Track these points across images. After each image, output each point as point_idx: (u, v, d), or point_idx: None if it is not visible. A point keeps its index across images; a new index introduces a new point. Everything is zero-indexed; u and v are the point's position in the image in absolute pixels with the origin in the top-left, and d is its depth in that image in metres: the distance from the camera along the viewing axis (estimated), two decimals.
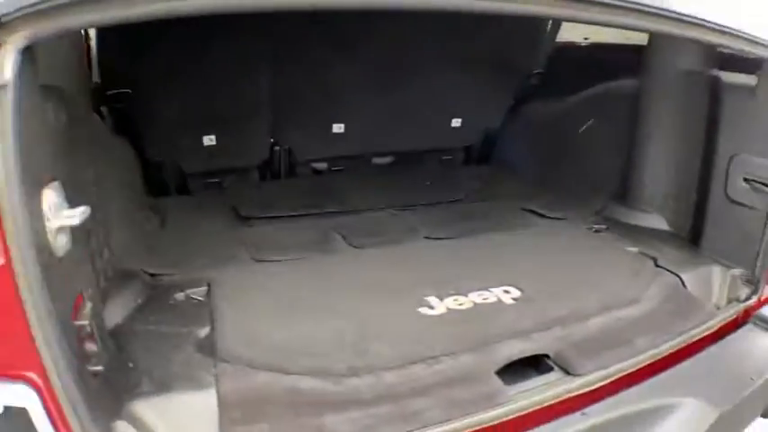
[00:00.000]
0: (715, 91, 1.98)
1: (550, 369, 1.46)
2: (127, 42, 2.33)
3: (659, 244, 2.04)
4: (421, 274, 1.82)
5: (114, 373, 1.19)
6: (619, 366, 1.45)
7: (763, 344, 1.78)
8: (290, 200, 2.53)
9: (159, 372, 1.23)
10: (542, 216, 2.34)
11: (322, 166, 3.04)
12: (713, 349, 1.69)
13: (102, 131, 2.02)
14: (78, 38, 1.67)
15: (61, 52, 1.54)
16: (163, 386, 1.19)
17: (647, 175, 2.24)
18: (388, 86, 2.82)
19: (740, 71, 1.98)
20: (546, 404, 1.35)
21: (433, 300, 1.66)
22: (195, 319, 1.49)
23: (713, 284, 1.86)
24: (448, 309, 1.62)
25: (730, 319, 1.80)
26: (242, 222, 2.32)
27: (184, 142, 2.62)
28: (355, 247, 2.07)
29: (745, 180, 1.87)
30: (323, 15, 2.47)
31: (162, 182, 2.68)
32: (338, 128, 2.88)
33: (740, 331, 1.80)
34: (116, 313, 1.46)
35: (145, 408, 1.13)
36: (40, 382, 0.93)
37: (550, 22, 2.92)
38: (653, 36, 2.19)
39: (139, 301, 1.57)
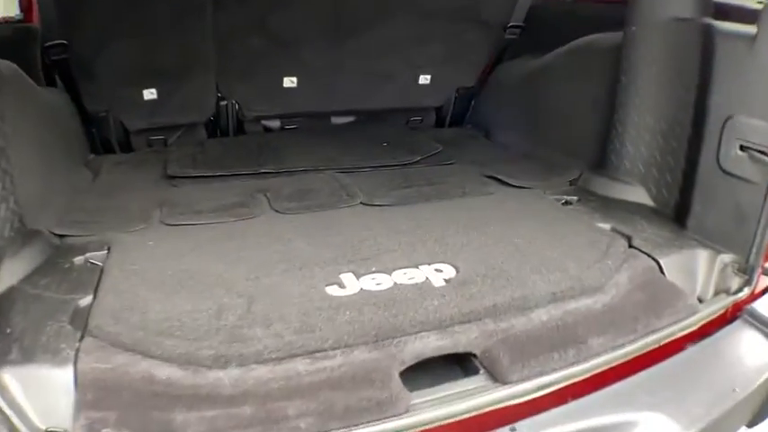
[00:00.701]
0: (707, 41, 1.65)
1: (476, 372, 1.15)
2: None
3: (637, 220, 1.71)
4: (343, 246, 1.52)
5: None
6: (564, 373, 1.14)
7: (752, 346, 1.46)
8: (227, 159, 2.31)
9: (29, 340, 1.12)
10: (504, 184, 2.02)
11: (274, 124, 2.81)
12: (691, 352, 1.39)
13: (19, 82, 1.85)
14: None
15: None
16: (28, 356, 1.08)
17: (628, 140, 1.90)
18: (345, 35, 2.60)
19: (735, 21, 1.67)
20: (460, 417, 1.04)
21: (347, 277, 1.36)
22: (83, 285, 1.34)
23: (698, 272, 1.53)
24: (361, 289, 1.31)
25: (716, 315, 1.48)
26: (168, 182, 2.11)
27: (124, 96, 2.49)
28: (279, 212, 1.79)
29: (742, 148, 1.54)
30: None
31: (106, 138, 2.56)
32: (290, 81, 2.68)
33: (726, 330, 1.48)
34: (12, 274, 1.34)
35: (11, 377, 1.04)
36: None
37: None
38: None
39: (39, 262, 1.44)
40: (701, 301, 1.49)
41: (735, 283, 1.53)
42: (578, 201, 1.89)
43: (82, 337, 1.13)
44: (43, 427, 1.01)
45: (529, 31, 2.77)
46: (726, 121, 1.58)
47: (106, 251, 1.51)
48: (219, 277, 1.36)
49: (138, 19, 2.32)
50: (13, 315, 1.21)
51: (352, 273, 1.37)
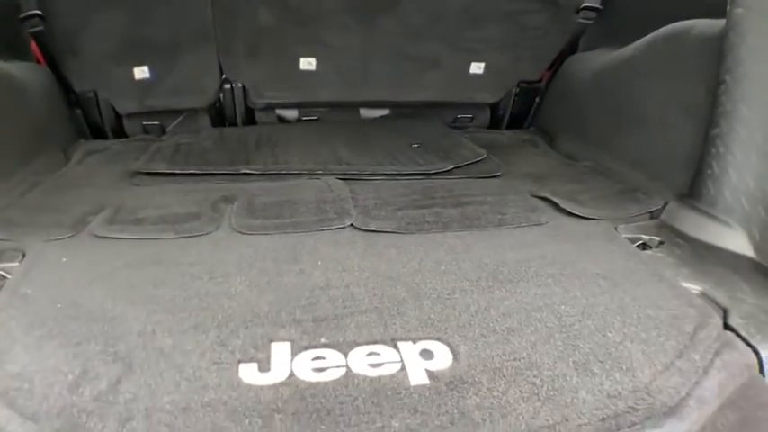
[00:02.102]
0: None
1: None
2: None
3: (737, 282, 1.16)
4: (296, 295, 1.04)
5: None
6: None
7: None
8: (211, 154, 1.93)
9: None
10: (561, 211, 1.48)
11: (291, 114, 2.44)
12: None
13: None
14: None
15: None
16: None
17: (732, 163, 1.35)
18: (377, 9, 2.25)
19: None
20: None
21: (279, 350, 0.88)
22: None
23: None
24: (290, 375, 0.82)
25: None
26: (131, 179, 1.77)
27: (112, 74, 2.27)
28: (237, 230, 1.34)
29: None
30: None
31: (96, 123, 2.34)
32: (308, 63, 2.33)
33: None
34: None
35: None
36: None
37: None
38: None
39: None
40: None
41: None
42: (660, 244, 1.34)
43: None
44: None
45: (607, 14, 2.27)
46: None
47: (17, 263, 1.23)
48: (109, 325, 0.98)
49: None
50: None
51: (290, 342, 0.89)
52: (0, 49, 1.94)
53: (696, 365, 0.89)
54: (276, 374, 0.83)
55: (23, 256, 1.26)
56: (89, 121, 2.32)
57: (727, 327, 1.02)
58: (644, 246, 1.36)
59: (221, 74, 2.30)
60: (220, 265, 1.16)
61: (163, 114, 2.34)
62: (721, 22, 1.41)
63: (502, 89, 2.45)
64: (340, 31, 2.24)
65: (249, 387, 0.80)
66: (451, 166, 1.79)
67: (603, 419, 0.78)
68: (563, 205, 1.48)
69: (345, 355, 0.87)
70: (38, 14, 2.11)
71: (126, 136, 2.34)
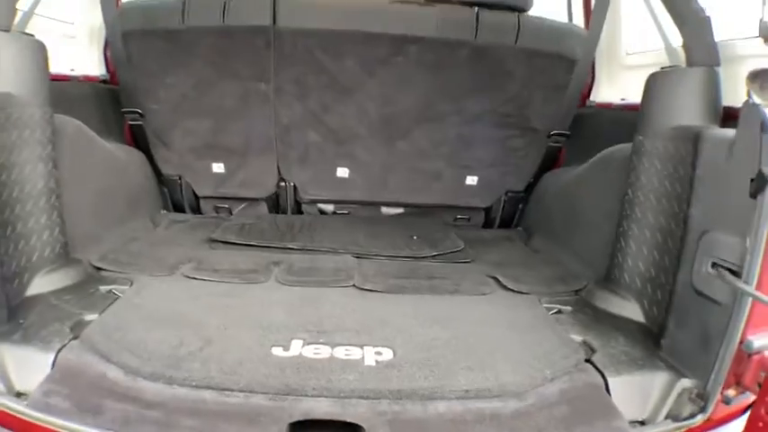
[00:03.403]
0: (696, 149, 1.64)
1: None
2: (145, 70, 2.66)
3: (615, 336, 1.68)
4: (312, 318, 1.69)
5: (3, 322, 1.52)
6: None
7: None
8: (267, 233, 2.56)
9: (32, 331, 1.50)
10: (504, 287, 2.06)
11: (328, 207, 3.06)
12: None
13: (81, 139, 2.21)
14: (41, 56, 1.92)
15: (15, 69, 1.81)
16: (26, 340, 1.46)
17: (630, 253, 1.88)
18: (394, 136, 2.84)
19: None
20: None
21: (296, 343, 1.52)
22: (95, 306, 1.68)
23: (650, 394, 1.47)
24: (299, 354, 1.47)
25: None
26: (208, 244, 2.41)
27: (194, 166, 2.88)
28: (280, 282, 1.99)
29: (713, 265, 1.49)
30: (324, 61, 2.58)
31: (178, 199, 2.96)
32: (343, 172, 2.92)
33: None
34: (43, 285, 1.75)
35: (6, 349, 1.42)
36: None
37: (572, 80, 2.71)
38: (650, 87, 1.95)
39: (69, 282, 1.81)
40: (643, 423, 1.43)
41: (687, 409, 1.44)
42: (571, 311, 1.88)
43: (72, 339, 1.48)
44: (16, 388, 1.37)
45: (575, 138, 2.84)
46: (702, 235, 1.54)
47: (128, 286, 1.84)
48: (197, 322, 1.62)
49: (210, 101, 2.71)
50: (31, 313, 1.60)
51: (302, 340, 1.53)
52: (102, 131, 2.40)
53: (547, 375, 1.46)
54: (291, 353, 1.46)
55: (131, 283, 1.86)
56: (172, 197, 2.91)
57: (588, 360, 1.56)
58: (558, 312, 1.88)
59: (279, 174, 2.88)
60: (267, 300, 1.81)
61: (231, 200, 2.94)
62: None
63: (492, 197, 2.97)
64: (367, 150, 2.85)
65: (275, 356, 1.45)
66: (435, 253, 2.39)
67: (466, 391, 1.37)
68: (504, 282, 2.06)
69: (332, 348, 1.50)
70: (138, 112, 2.71)
71: (201, 212, 2.95)
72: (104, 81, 2.90)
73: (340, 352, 1.49)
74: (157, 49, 2.64)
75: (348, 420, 1.26)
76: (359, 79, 2.70)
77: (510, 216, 3.06)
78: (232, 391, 1.32)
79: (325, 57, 2.66)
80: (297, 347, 1.50)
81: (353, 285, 1.99)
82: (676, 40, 1.97)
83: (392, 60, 2.67)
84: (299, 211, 3.02)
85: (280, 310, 1.73)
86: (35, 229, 1.79)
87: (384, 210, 3.08)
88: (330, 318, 1.69)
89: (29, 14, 2.03)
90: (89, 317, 1.61)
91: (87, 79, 2.78)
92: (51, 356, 1.40)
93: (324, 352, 1.48)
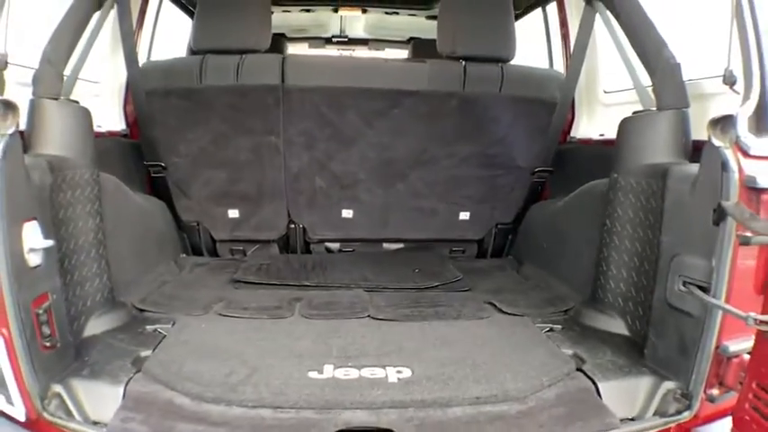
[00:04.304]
0: (665, 184, 1.89)
1: None
2: (167, 126, 2.90)
3: (602, 348, 1.93)
4: (336, 346, 1.93)
5: (69, 359, 1.73)
6: None
7: None
8: (283, 272, 2.80)
9: (98, 367, 1.71)
10: (500, 311, 2.31)
11: (335, 246, 3.31)
12: None
13: (119, 193, 2.45)
14: (87, 121, 2.17)
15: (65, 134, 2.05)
16: (95, 375, 1.67)
17: (611, 276, 2.14)
18: (393, 179, 3.10)
19: None
20: None
21: (328, 367, 1.76)
22: (147, 344, 1.90)
23: (637, 396, 1.71)
24: (333, 376, 1.71)
25: None
26: (232, 284, 2.64)
27: (212, 213, 3.11)
28: (304, 316, 2.23)
29: (684, 284, 1.73)
30: (329, 115, 2.86)
31: (196, 243, 3.20)
32: (347, 213, 3.17)
33: None
34: (97, 327, 1.98)
35: (78, 383, 1.62)
36: (6, 334, 1.52)
37: (553, 120, 2.98)
38: (624, 130, 2.21)
39: (119, 324, 2.05)
40: (633, 420, 1.67)
41: (673, 407, 1.68)
42: (561, 329, 2.14)
43: (136, 372, 1.69)
44: (92, 418, 1.56)
45: (558, 171, 3.11)
46: (673, 258, 1.79)
47: (171, 325, 2.07)
48: (240, 354, 1.85)
49: (226, 154, 2.95)
50: (92, 351, 1.81)
51: (333, 365, 1.77)
52: (127, 182, 2.56)
53: (543, 382, 1.71)
54: (326, 375, 1.70)
55: (173, 323, 2.08)
56: (191, 241, 3.14)
57: (579, 369, 1.80)
58: (551, 330, 2.14)
59: (289, 217, 3.11)
60: (295, 332, 2.04)
61: (245, 242, 3.17)
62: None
63: (483, 230, 3.22)
64: (369, 193, 3.09)
65: (313, 378, 1.68)
66: (437, 284, 2.65)
67: (477, 398, 1.62)
68: (501, 307, 2.32)
69: (359, 369, 1.74)
70: (161, 165, 2.95)
71: (218, 255, 3.17)
72: (125, 135, 3.13)
73: (366, 372, 1.73)
74: (177, 106, 2.86)
75: (382, 427, 1.50)
76: (360, 130, 2.95)
77: (501, 246, 3.32)
78: (283, 408, 1.56)
79: (329, 111, 2.92)
80: (329, 371, 1.73)
81: (369, 316, 2.23)
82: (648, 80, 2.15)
83: (389, 112, 2.93)
84: (308, 251, 3.25)
85: (308, 341, 1.97)
86: (88, 276, 2.01)
87: (385, 246, 3.32)
88: (353, 345, 1.94)
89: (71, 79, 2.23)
90: (144, 353, 1.82)
91: (111, 134, 3.00)
92: (121, 388, 1.61)
93: (353, 374, 1.72)
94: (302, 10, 4.10)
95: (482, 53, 2.86)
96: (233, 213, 3.11)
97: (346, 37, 4.92)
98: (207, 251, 3.19)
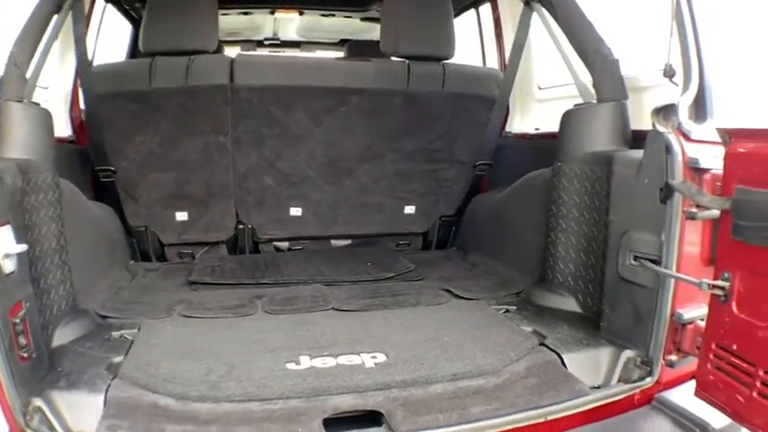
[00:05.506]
0: (611, 169, 2.02)
1: (380, 425, 1.53)
2: (116, 130, 2.83)
3: (559, 324, 2.05)
4: (307, 338, 1.96)
5: (43, 371, 1.67)
6: (446, 430, 1.50)
7: (656, 427, 1.74)
8: (237, 271, 2.79)
9: (74, 377, 1.65)
10: (456, 296, 2.41)
11: (284, 245, 3.31)
12: (589, 428, 1.69)
13: (75, 198, 2.36)
14: (49, 124, 2.12)
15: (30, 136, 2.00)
16: (72, 385, 1.61)
17: (560, 258, 2.28)
18: (340, 175, 3.15)
19: None
20: None
21: (304, 358, 1.79)
22: (117, 350, 1.86)
23: (600, 365, 1.83)
24: (311, 366, 1.74)
25: (614, 399, 1.75)
26: (189, 287, 2.61)
27: (160, 216, 3.04)
28: (268, 312, 2.24)
29: (635, 258, 1.87)
30: (277, 114, 2.87)
31: (144, 249, 3.10)
32: (296, 211, 3.19)
33: (631, 413, 1.77)
34: (64, 336, 1.91)
35: (57, 395, 1.55)
36: None
37: (492, 116, 3.13)
38: (567, 122, 2.35)
39: (85, 332, 1.98)
40: (598, 387, 1.78)
41: (636, 373, 1.79)
42: (516, 310, 2.26)
43: (113, 378, 1.63)
44: (74, 430, 1.49)
45: (497, 167, 3.24)
46: (622, 235, 1.93)
47: (137, 330, 2.01)
48: (214, 352, 1.85)
49: (175, 155, 2.91)
50: (64, 361, 1.74)
51: (308, 355, 1.80)
52: (77, 188, 2.47)
53: (512, 356, 1.81)
54: (303, 366, 1.73)
55: (139, 327, 2.02)
56: (140, 247, 3.06)
57: (542, 344, 1.91)
58: (506, 311, 2.26)
59: (237, 218, 3.09)
60: (263, 328, 2.05)
61: (194, 245, 3.12)
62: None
63: (428, 223, 3.31)
64: (317, 190, 3.12)
65: (292, 369, 1.71)
66: (392, 275, 2.72)
67: (454, 374, 1.70)
68: (456, 292, 2.43)
69: (335, 358, 1.78)
70: (110, 170, 2.87)
71: (166, 259, 3.09)
72: (71, 141, 3.04)
73: (343, 360, 1.77)
74: (127, 109, 2.80)
75: (370, 409, 1.55)
76: (307, 128, 2.99)
77: (445, 238, 3.43)
78: (270, 399, 1.57)
79: (277, 109, 2.93)
80: (306, 361, 1.76)
81: (332, 308, 2.27)
82: (585, 75, 2.30)
83: (336, 110, 2.98)
84: (257, 251, 3.23)
85: (278, 335, 1.98)
86: (53, 284, 1.95)
87: (334, 242, 3.36)
88: (323, 336, 1.97)
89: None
90: (116, 359, 1.77)
91: (59, 141, 2.84)
92: (101, 397, 1.56)
93: (330, 362, 1.76)
94: (240, 13, 4.07)
95: (424, 52, 2.97)
96: (181, 216, 3.06)
97: (278, 39, 4.91)
98: (155, 256, 3.12)
